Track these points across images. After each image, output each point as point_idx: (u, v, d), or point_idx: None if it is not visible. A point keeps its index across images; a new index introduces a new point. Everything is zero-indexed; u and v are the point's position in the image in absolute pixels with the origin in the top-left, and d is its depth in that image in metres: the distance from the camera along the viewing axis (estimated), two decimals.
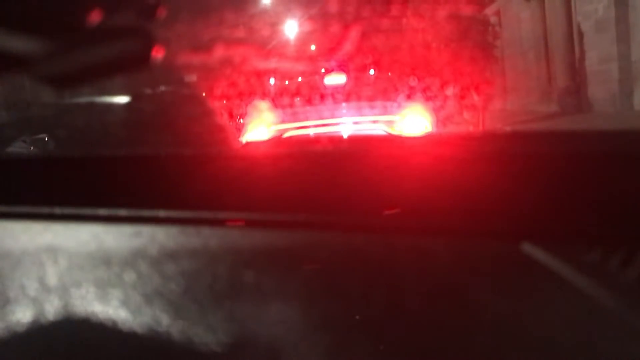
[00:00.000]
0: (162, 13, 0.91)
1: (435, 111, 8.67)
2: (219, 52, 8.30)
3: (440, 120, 8.71)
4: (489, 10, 10.42)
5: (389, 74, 7.97)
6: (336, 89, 7.07)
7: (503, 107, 11.00)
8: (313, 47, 10.28)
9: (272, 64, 9.10)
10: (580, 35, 9.53)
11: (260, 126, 6.43)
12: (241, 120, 7.06)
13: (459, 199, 0.63)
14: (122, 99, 2.17)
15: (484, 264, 0.58)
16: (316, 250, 0.63)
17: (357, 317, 0.51)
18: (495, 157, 0.65)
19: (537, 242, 0.58)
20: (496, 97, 10.20)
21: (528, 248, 0.58)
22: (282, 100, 6.94)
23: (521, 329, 0.49)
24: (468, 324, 0.49)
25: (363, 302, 0.53)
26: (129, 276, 0.58)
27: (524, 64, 11.25)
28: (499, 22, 10.94)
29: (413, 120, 6.32)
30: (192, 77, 7.70)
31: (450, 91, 9.06)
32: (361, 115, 6.45)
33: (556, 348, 0.46)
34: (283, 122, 6.39)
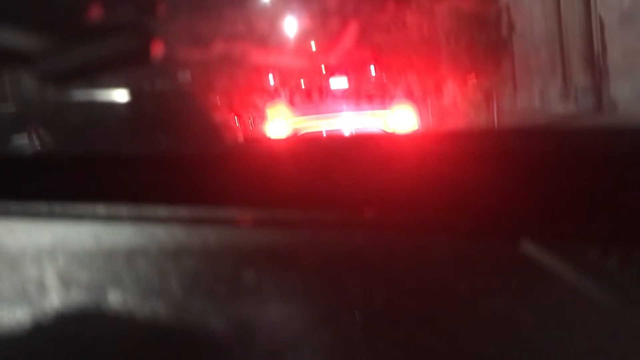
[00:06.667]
0: (161, 10, 0.91)
1: (439, 109, 8.65)
2: (219, 48, 8.30)
3: (446, 118, 8.70)
4: (498, 6, 10.20)
5: (391, 71, 7.94)
6: (339, 88, 7.09)
7: (513, 107, 10.69)
8: (313, 44, 10.25)
9: (273, 60, 9.10)
10: (602, 28, 9.05)
11: (272, 122, 6.49)
12: (236, 117, 7.09)
13: (458, 196, 0.63)
14: (121, 96, 2.17)
15: (482, 262, 0.59)
16: (315, 248, 0.64)
17: (356, 315, 0.51)
18: (494, 155, 0.66)
19: (536, 240, 0.59)
20: (506, 95, 9.93)
21: (527, 246, 0.58)
22: (288, 97, 6.96)
23: (519, 328, 0.49)
24: (466, 322, 0.50)
25: (362, 300, 0.53)
26: (129, 275, 0.59)
27: (536, 61, 10.88)
28: (508, 17, 10.68)
29: (409, 116, 6.34)
30: (186, 75, 7.68)
31: (456, 88, 8.99)
32: (361, 111, 6.47)
33: (554, 347, 0.46)
34: (291, 117, 6.43)
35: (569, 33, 9.88)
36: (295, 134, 6.27)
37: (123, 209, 0.72)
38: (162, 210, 0.71)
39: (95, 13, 0.86)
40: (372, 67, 8.08)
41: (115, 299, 0.55)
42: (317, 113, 6.63)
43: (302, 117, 6.54)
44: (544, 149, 0.65)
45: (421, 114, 7.10)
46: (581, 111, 9.37)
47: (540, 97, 10.52)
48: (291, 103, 6.96)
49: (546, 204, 0.62)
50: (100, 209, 0.72)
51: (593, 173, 0.61)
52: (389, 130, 6.18)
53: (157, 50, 0.84)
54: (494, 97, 9.39)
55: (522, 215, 0.62)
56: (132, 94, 2.20)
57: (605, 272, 0.55)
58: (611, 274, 0.55)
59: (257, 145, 1.01)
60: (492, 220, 0.63)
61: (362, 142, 0.83)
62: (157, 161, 0.79)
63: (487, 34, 9.22)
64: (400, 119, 6.43)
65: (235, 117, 7.37)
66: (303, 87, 7.47)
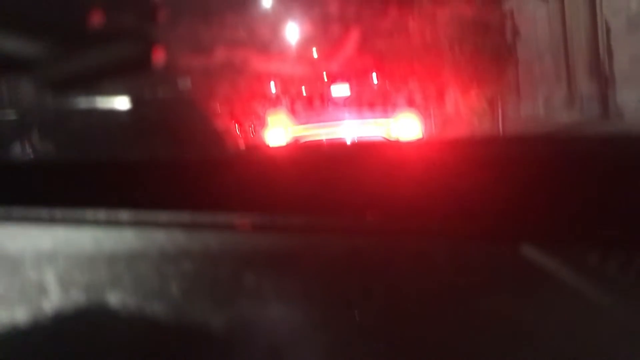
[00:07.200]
0: (162, 16, 0.92)
1: (443, 118, 8.62)
2: (220, 55, 8.32)
3: (450, 126, 8.67)
4: (502, 12, 10.12)
5: (394, 79, 7.92)
6: (341, 95, 7.07)
7: (517, 115, 10.54)
8: (315, 50, 10.26)
9: (274, 67, 9.11)
10: (608, 34, 8.90)
11: (273, 129, 6.48)
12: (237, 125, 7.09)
13: (459, 201, 0.64)
14: (122, 103, 2.19)
15: (483, 266, 0.60)
16: (316, 253, 0.64)
17: (357, 319, 0.52)
18: (494, 160, 0.67)
19: (537, 244, 0.59)
20: (510, 103, 9.83)
21: (527, 250, 0.59)
22: (290, 104, 6.95)
23: (520, 331, 0.49)
24: (467, 326, 0.50)
25: (362, 304, 0.54)
26: (130, 279, 0.59)
27: (539, 68, 10.70)
28: (512, 23, 10.57)
29: (411, 124, 6.33)
30: (186, 82, 7.68)
31: (459, 96, 8.94)
32: (363, 119, 6.46)
33: (555, 350, 0.47)
34: (292, 125, 6.43)
35: (574, 39, 9.71)
36: (296, 141, 6.28)
37: (123, 214, 0.72)
38: (162, 216, 0.71)
39: (96, 20, 0.87)
40: (374, 74, 8.07)
41: (115, 303, 0.55)
42: (319, 121, 6.63)
43: (304, 125, 6.55)
44: (544, 156, 0.66)
45: (425, 122, 7.10)
46: (586, 119, 9.21)
47: (544, 105, 10.37)
48: (292, 111, 6.97)
49: (547, 209, 0.63)
50: (101, 214, 0.73)
51: (592, 178, 0.62)
52: (392, 138, 6.18)
53: (158, 57, 0.85)
54: (499, 105, 9.34)
55: (523, 220, 0.63)
56: (133, 101, 2.21)
57: (606, 276, 0.56)
58: (611, 278, 0.56)
59: (258, 152, 1.02)
60: (494, 225, 0.64)
61: (363, 149, 0.84)
62: (158, 167, 0.80)
63: (490, 40, 9.17)
64: (403, 127, 6.42)
65: (236, 125, 7.37)
66: (304, 94, 7.48)
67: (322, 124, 6.58)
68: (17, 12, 0.82)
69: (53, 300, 0.56)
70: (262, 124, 7.28)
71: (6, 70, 0.95)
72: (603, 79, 9.16)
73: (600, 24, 9.03)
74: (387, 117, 6.62)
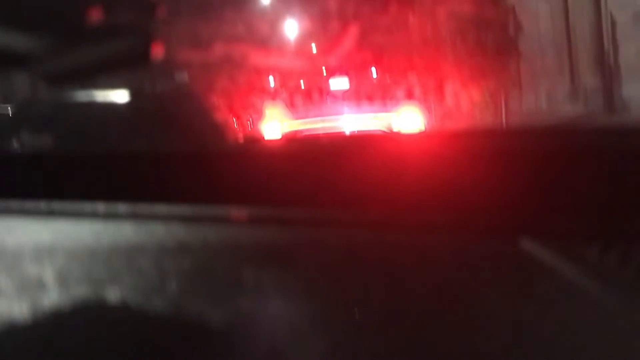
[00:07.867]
0: (161, 11, 0.93)
1: (444, 111, 8.60)
2: (219, 48, 8.30)
3: (452, 120, 8.64)
4: (503, 4, 10.04)
5: (394, 72, 7.90)
6: (339, 89, 7.05)
7: (519, 108, 10.45)
8: (314, 45, 10.23)
9: (273, 61, 9.09)
10: (613, 27, 8.82)
11: (272, 123, 6.46)
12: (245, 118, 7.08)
13: (459, 195, 0.64)
14: (121, 96, 2.19)
15: (483, 260, 0.60)
16: (315, 247, 0.65)
17: (357, 314, 0.52)
18: (494, 154, 0.67)
19: (536, 238, 0.60)
20: (511, 96, 9.78)
21: (527, 244, 0.59)
22: (289, 98, 6.92)
23: (520, 326, 0.50)
24: (467, 321, 0.51)
25: (363, 299, 0.54)
26: (128, 272, 0.60)
27: (542, 62, 10.60)
28: (515, 16, 10.47)
29: (412, 118, 6.31)
30: (184, 75, 7.65)
31: (462, 90, 8.89)
32: (363, 112, 6.44)
33: (554, 344, 0.47)
34: (291, 119, 6.40)
35: (578, 30, 9.58)
36: (295, 135, 6.27)
37: (122, 207, 0.73)
38: (160, 208, 0.72)
39: (95, 14, 0.87)
40: (374, 68, 8.04)
41: (114, 296, 0.56)
42: (318, 115, 6.62)
43: (303, 119, 6.54)
44: (544, 149, 0.66)
45: (426, 115, 7.08)
46: (590, 113, 9.10)
47: (547, 99, 10.30)
48: (291, 104, 6.96)
49: (547, 203, 0.63)
50: (99, 206, 0.74)
51: (592, 172, 0.63)
52: (389, 130, 6.17)
53: (157, 51, 0.85)
54: (501, 99, 9.31)
55: (522, 213, 0.64)
56: (131, 94, 2.21)
57: (605, 270, 0.56)
58: (611, 272, 0.56)
59: (257, 145, 1.02)
60: (494, 219, 0.64)
61: (363, 142, 0.84)
62: (156, 159, 0.80)
63: (493, 32, 9.13)
64: (405, 121, 6.41)
65: (235, 119, 7.36)
66: (303, 88, 7.46)
67: (321, 117, 6.57)
68: (14, 6, 0.82)
69: (51, 294, 0.57)
70: (261, 117, 7.27)
71: (7, 64, 0.95)
72: (608, 71, 9.05)
73: (604, 17, 8.94)
74: (387, 110, 6.61)
